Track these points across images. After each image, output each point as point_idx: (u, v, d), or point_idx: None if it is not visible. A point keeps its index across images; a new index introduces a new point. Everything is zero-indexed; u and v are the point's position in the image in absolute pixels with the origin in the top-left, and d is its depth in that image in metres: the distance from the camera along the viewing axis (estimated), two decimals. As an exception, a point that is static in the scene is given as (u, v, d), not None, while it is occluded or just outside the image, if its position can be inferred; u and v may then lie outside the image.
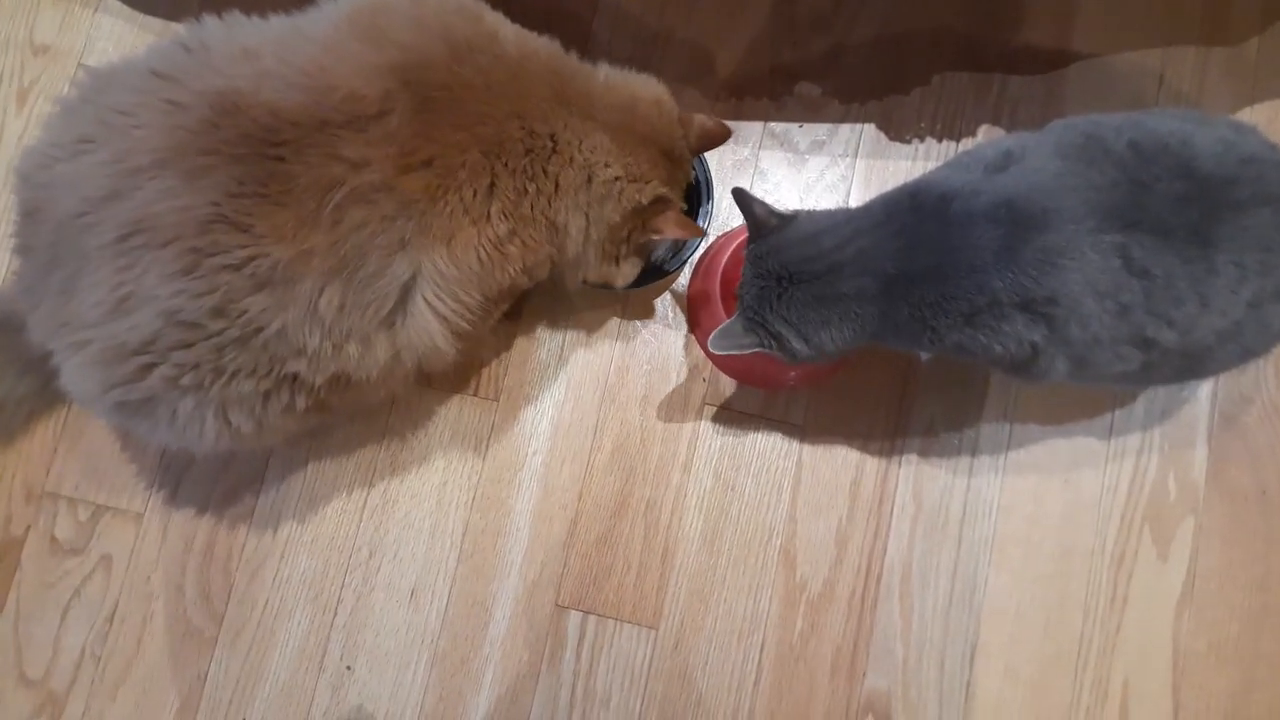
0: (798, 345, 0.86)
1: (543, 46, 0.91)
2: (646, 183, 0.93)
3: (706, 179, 1.12)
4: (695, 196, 1.10)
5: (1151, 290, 0.77)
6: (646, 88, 0.96)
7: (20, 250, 0.86)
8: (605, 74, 0.96)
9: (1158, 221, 0.76)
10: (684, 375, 1.16)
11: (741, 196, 0.89)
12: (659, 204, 0.95)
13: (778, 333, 0.86)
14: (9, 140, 1.17)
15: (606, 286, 1.03)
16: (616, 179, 0.91)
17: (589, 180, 0.91)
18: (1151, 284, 0.76)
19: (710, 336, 0.90)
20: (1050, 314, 0.78)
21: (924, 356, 1.15)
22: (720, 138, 1.00)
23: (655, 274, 1.12)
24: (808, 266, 0.84)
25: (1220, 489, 1.13)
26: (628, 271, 1.01)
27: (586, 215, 0.93)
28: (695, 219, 1.11)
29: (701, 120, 0.99)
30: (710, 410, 1.15)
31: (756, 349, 0.88)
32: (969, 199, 0.80)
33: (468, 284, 0.87)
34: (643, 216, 0.95)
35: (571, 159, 0.89)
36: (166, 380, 0.81)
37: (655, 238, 0.97)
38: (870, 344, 0.89)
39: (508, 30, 0.90)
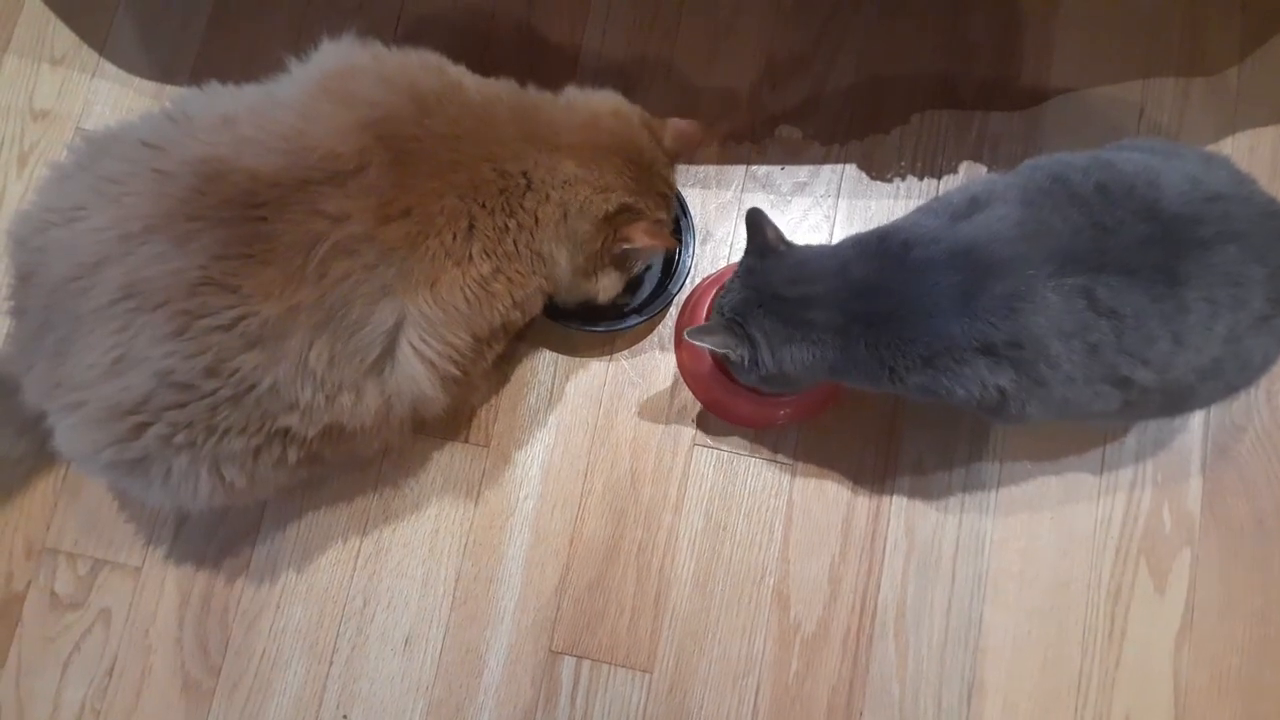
0: (765, 355, 0.90)
1: (504, 90, 0.94)
2: (611, 191, 0.94)
3: (685, 214, 1.14)
4: (676, 234, 1.12)
5: (1121, 329, 0.77)
6: (605, 101, 0.99)
7: (15, 313, 0.88)
8: (568, 97, 0.98)
9: (1122, 263, 0.77)
10: (673, 416, 1.16)
11: (757, 217, 0.92)
12: (627, 212, 0.96)
13: (751, 337, 0.90)
14: (9, 203, 1.20)
15: (590, 310, 1.07)
16: (585, 196, 0.93)
17: (565, 215, 0.93)
18: (1121, 323, 0.77)
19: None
20: (1015, 357, 0.79)
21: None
22: (695, 137, 1.02)
23: (643, 313, 1.14)
24: (787, 290, 0.88)
25: (1216, 520, 1.13)
26: (606, 285, 1.02)
27: (570, 242, 0.95)
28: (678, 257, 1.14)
29: (674, 123, 1.01)
30: (700, 451, 1.15)
31: (727, 350, 0.92)
32: (928, 246, 0.82)
33: (455, 325, 0.89)
34: (613, 225, 0.96)
35: (548, 195, 0.91)
36: (160, 439, 0.83)
37: (626, 246, 0.97)
38: (834, 378, 0.91)
39: (470, 80, 0.93)
